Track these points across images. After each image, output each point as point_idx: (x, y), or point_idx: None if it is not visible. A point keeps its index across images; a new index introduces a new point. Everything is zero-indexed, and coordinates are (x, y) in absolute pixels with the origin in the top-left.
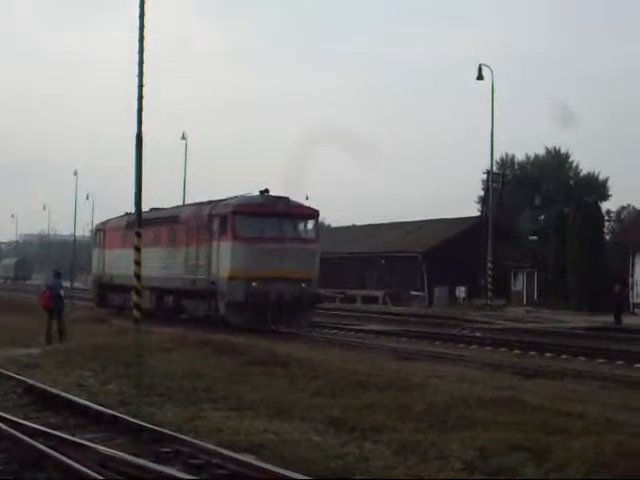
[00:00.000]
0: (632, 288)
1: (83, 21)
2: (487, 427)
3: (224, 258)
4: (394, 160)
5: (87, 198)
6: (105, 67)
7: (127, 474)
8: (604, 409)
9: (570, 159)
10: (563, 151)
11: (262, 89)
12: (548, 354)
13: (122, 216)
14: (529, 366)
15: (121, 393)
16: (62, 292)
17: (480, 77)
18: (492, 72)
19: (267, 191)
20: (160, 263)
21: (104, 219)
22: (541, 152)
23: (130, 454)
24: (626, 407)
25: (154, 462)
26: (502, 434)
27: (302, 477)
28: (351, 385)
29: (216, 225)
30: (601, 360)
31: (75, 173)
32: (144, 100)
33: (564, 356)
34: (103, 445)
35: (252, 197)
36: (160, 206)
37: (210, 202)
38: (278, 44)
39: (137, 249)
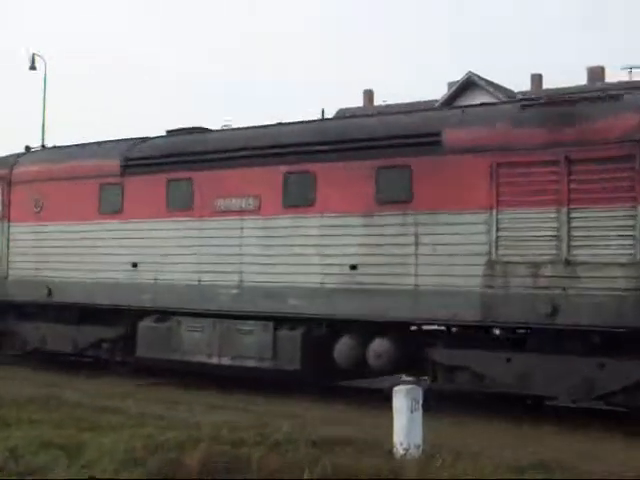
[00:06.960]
0: None
1: None
2: (21, 426)
3: None
4: None
5: None
6: None
7: None
8: (139, 403)
9: None
10: None
11: None
12: None
13: (71, 148)
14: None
15: None
16: None
17: (33, 67)
18: (45, 64)
19: None
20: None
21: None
22: None
23: None
24: (164, 401)
25: None
26: (35, 432)
27: None
28: None
29: None
30: None
31: None
32: None
33: None
34: None
35: None
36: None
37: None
38: None
39: None
